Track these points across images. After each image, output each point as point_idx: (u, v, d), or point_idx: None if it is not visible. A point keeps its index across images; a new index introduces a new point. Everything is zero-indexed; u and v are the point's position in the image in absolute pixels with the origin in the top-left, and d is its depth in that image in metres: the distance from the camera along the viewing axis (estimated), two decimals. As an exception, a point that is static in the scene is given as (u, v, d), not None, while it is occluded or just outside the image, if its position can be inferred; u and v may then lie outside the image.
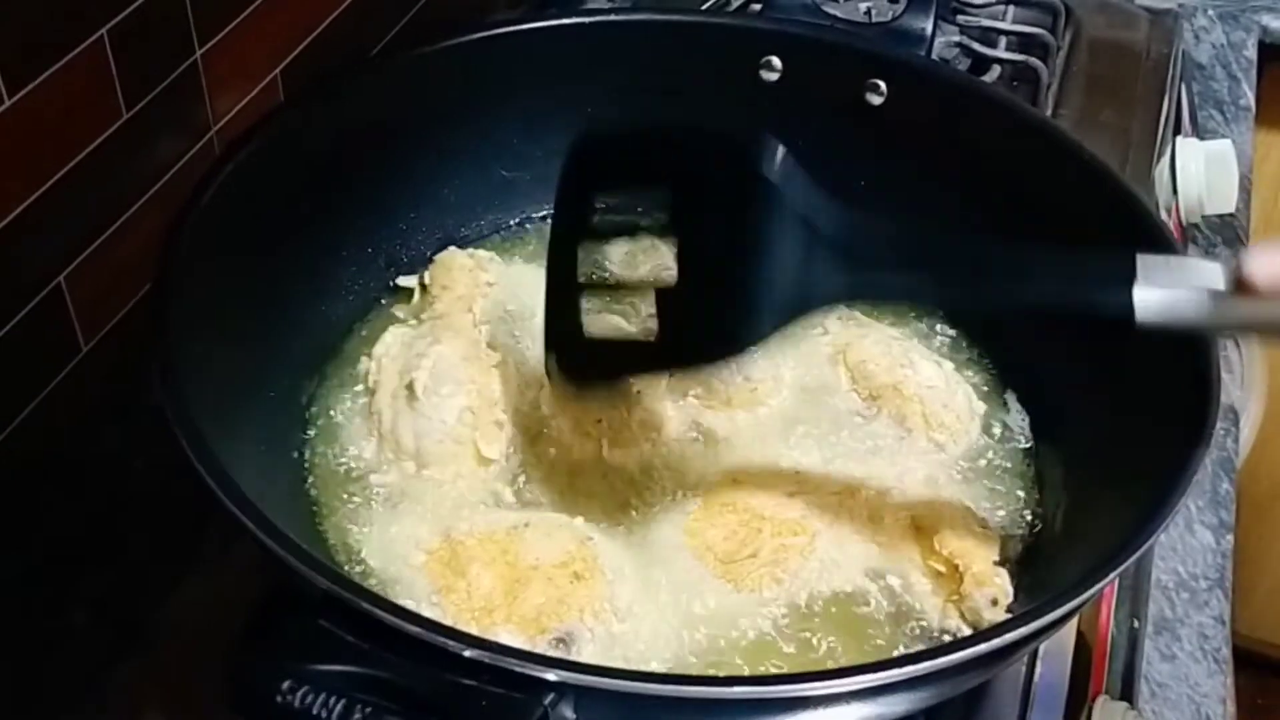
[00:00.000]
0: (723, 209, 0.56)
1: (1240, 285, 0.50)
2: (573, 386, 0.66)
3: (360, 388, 0.75)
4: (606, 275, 0.74)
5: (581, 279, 0.60)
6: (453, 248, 0.83)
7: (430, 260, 0.82)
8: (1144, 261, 0.51)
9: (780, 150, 0.55)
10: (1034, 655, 0.71)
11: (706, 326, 0.58)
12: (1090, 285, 0.53)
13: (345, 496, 0.69)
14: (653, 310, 0.59)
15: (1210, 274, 0.51)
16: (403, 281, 0.81)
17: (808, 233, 0.55)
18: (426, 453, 0.70)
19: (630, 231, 0.61)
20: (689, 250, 0.57)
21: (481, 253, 0.82)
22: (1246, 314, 0.51)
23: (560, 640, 0.60)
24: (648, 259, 0.83)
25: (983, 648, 0.51)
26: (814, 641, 0.63)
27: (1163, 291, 0.51)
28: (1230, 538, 0.89)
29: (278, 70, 0.89)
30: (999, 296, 0.56)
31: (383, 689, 0.48)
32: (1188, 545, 0.87)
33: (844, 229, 0.56)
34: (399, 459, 0.70)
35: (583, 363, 0.63)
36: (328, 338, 0.77)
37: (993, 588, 0.65)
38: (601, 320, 0.65)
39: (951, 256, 0.55)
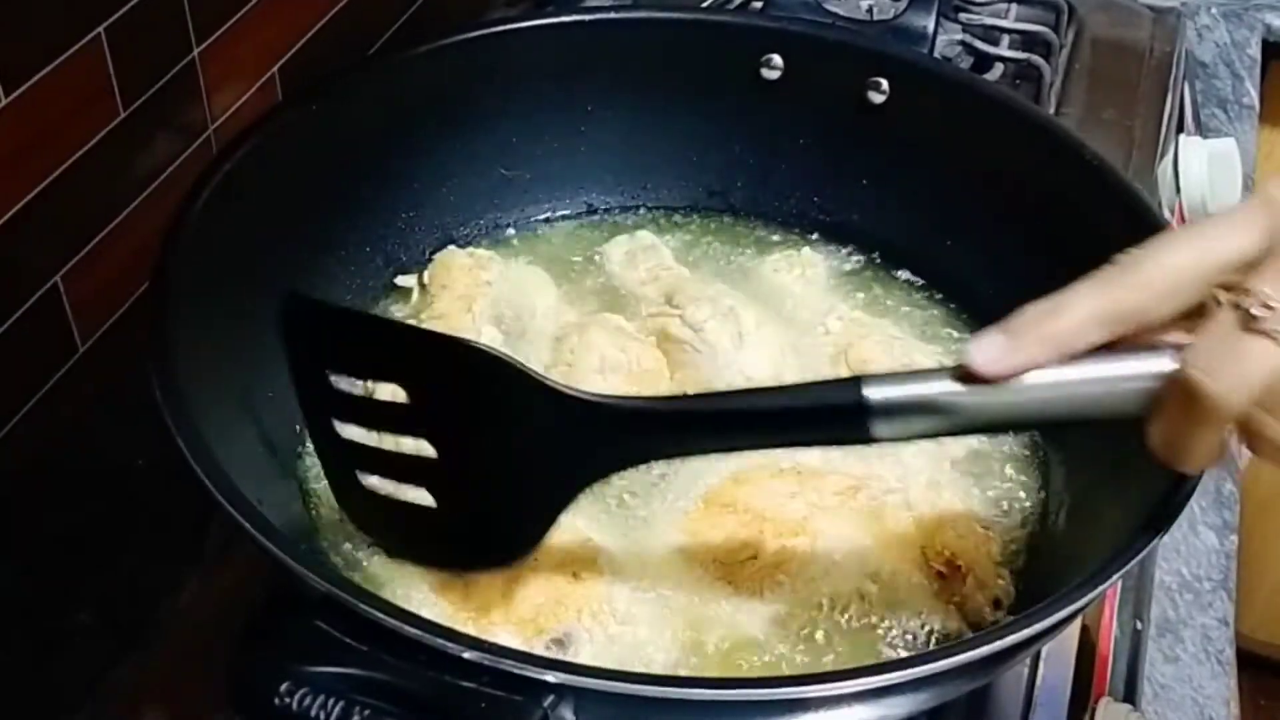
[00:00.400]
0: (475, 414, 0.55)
1: (969, 378, 0.50)
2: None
3: (360, 387, 0.74)
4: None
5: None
6: (452, 247, 0.82)
7: (429, 259, 0.82)
8: (873, 383, 0.51)
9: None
10: (1036, 657, 0.70)
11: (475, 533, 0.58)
12: (824, 424, 0.53)
13: (344, 497, 0.69)
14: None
15: (938, 380, 0.50)
16: (401, 281, 0.81)
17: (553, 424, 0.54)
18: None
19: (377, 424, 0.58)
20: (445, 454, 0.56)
21: (481, 252, 0.82)
22: (986, 404, 0.50)
23: (558, 641, 0.60)
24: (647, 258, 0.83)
25: (985, 650, 0.50)
26: (814, 643, 0.63)
27: (896, 420, 0.51)
28: (1234, 539, 0.88)
29: (275, 69, 0.89)
30: (742, 445, 0.59)
31: (381, 691, 0.48)
32: (1191, 546, 0.87)
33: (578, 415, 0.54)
34: (398, 459, 0.70)
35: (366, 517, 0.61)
36: (327, 337, 0.77)
37: (995, 589, 0.64)
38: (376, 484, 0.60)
39: (695, 418, 0.56)
